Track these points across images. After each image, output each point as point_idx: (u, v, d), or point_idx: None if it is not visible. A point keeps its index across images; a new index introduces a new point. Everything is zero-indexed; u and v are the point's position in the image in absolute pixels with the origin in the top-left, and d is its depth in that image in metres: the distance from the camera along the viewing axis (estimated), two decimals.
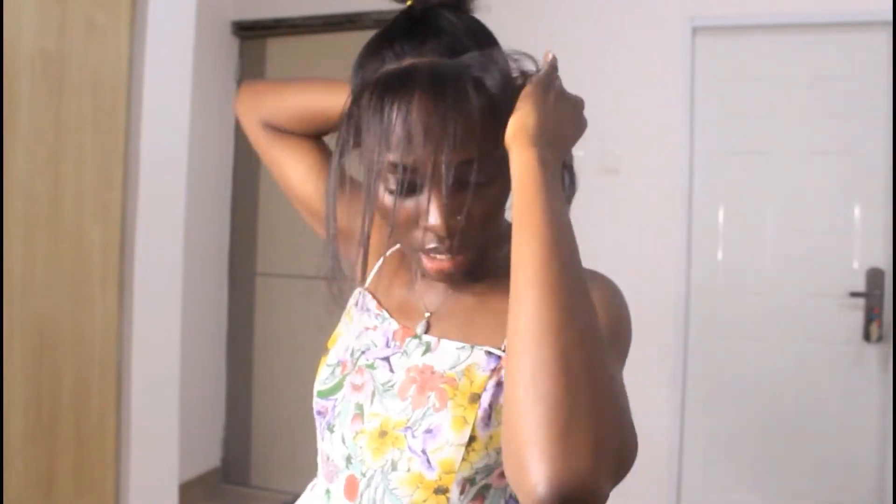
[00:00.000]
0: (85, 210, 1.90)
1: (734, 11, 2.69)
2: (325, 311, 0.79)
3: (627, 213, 2.74)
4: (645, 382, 2.72)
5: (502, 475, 0.70)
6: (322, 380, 0.81)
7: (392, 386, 0.75)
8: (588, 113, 0.72)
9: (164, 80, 2.08)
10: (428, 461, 0.69)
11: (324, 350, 0.85)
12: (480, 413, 0.68)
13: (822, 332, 2.62)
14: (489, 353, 0.71)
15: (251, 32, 3.29)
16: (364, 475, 0.73)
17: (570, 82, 0.71)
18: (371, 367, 0.77)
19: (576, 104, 0.69)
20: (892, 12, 2.43)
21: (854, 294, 2.55)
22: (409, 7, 0.71)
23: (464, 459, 0.68)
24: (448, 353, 0.73)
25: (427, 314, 0.78)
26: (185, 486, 2.71)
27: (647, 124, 2.74)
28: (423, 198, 0.66)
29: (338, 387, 0.79)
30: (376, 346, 0.79)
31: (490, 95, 0.64)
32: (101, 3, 1.90)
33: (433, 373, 0.73)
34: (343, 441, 0.76)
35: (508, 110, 0.65)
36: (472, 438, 0.67)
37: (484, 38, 0.70)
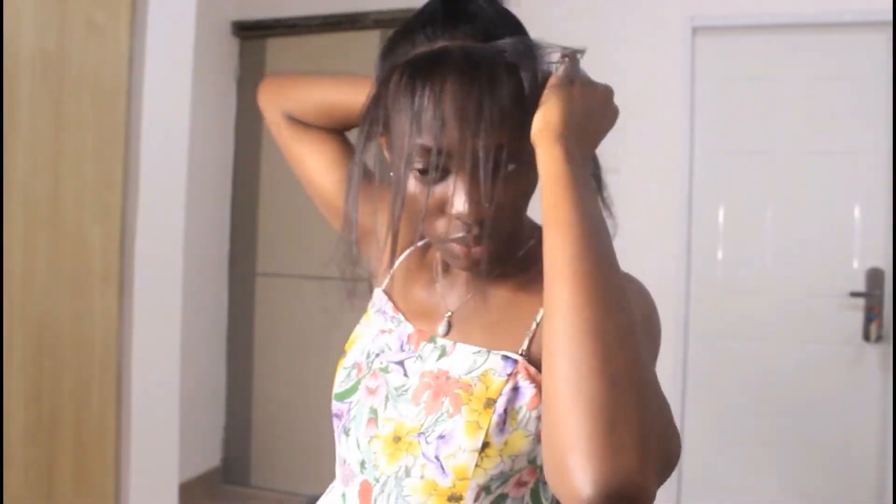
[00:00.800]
0: (85, 210, 1.90)
1: (734, 11, 2.69)
2: (338, 309, 0.77)
3: (627, 213, 2.74)
4: None
5: (519, 484, 0.69)
6: (339, 382, 0.80)
7: (406, 391, 0.73)
8: None
9: (164, 79, 2.08)
10: (441, 467, 0.68)
11: (341, 352, 0.85)
12: (495, 418, 0.66)
13: (822, 332, 2.62)
14: (506, 358, 0.69)
15: (251, 32, 3.29)
16: (378, 480, 0.72)
17: None
18: (385, 370, 0.76)
19: (604, 93, 0.66)
20: (892, 12, 2.43)
21: (854, 294, 2.55)
22: None
23: (477, 466, 0.66)
24: (464, 358, 0.72)
25: (448, 313, 0.77)
26: (185, 486, 2.71)
27: (647, 124, 2.74)
28: (451, 184, 0.64)
29: (353, 389, 0.78)
30: (391, 349, 0.78)
31: (522, 82, 0.63)
32: (101, 3, 1.90)
33: (448, 378, 0.71)
34: (358, 445, 0.75)
35: (539, 99, 0.64)
36: (485, 444, 0.66)
37: (514, 27, 0.69)
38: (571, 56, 0.66)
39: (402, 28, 0.69)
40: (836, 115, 2.61)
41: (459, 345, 0.73)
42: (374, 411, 0.75)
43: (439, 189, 0.65)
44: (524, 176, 0.65)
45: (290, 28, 3.21)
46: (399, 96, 0.63)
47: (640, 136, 2.75)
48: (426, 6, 0.69)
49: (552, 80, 0.63)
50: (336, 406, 0.79)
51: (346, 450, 0.77)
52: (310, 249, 3.13)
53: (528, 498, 0.69)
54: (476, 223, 0.64)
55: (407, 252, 0.84)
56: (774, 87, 2.68)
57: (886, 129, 2.53)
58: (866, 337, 2.54)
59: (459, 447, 0.67)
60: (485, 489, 0.67)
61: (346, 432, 0.77)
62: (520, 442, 0.66)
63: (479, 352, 0.71)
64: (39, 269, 1.77)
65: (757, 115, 2.71)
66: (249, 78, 3.30)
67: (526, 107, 0.63)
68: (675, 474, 2.71)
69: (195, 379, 2.93)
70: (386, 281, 0.85)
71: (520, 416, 0.66)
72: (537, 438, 0.66)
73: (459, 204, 0.63)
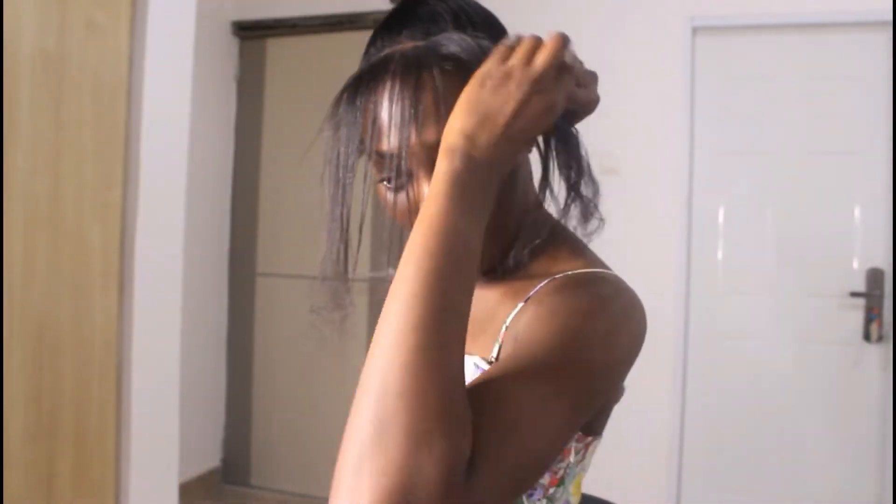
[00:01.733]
0: (85, 210, 1.90)
1: (734, 11, 2.69)
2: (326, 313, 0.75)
3: (627, 213, 2.74)
4: (645, 382, 2.72)
5: None
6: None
7: None
8: None
9: (164, 80, 2.08)
10: None
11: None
12: None
13: (822, 332, 2.62)
14: (476, 365, 0.68)
15: (251, 32, 3.29)
16: None
17: None
18: None
19: (521, 87, 0.57)
20: (892, 12, 2.43)
21: (854, 294, 2.55)
22: (393, 2, 0.71)
23: None
24: None
25: None
26: (185, 486, 2.71)
27: (647, 124, 2.74)
28: (416, 187, 0.64)
29: None
30: None
31: (463, 67, 0.61)
32: (101, 3, 1.90)
33: None
34: None
35: None
36: None
37: (469, 18, 0.67)
38: (499, 49, 0.60)
39: (368, 41, 0.70)
40: (836, 115, 2.61)
41: None
42: None
43: (413, 192, 0.64)
44: None
45: (290, 28, 3.21)
46: (345, 114, 0.64)
47: (640, 135, 2.75)
48: (385, 15, 0.70)
49: (476, 75, 0.59)
50: None
51: None
52: (310, 249, 3.13)
53: None
54: None
55: None
56: (774, 87, 2.68)
57: (886, 129, 2.53)
58: (866, 337, 2.54)
59: None
60: None
61: None
62: None
63: None
64: (39, 269, 1.77)
65: (757, 115, 2.71)
66: (249, 78, 3.31)
67: None
68: (675, 474, 2.71)
69: (195, 379, 2.93)
70: None
71: None
72: None
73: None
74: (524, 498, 0.68)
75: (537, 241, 0.71)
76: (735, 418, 2.71)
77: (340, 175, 0.65)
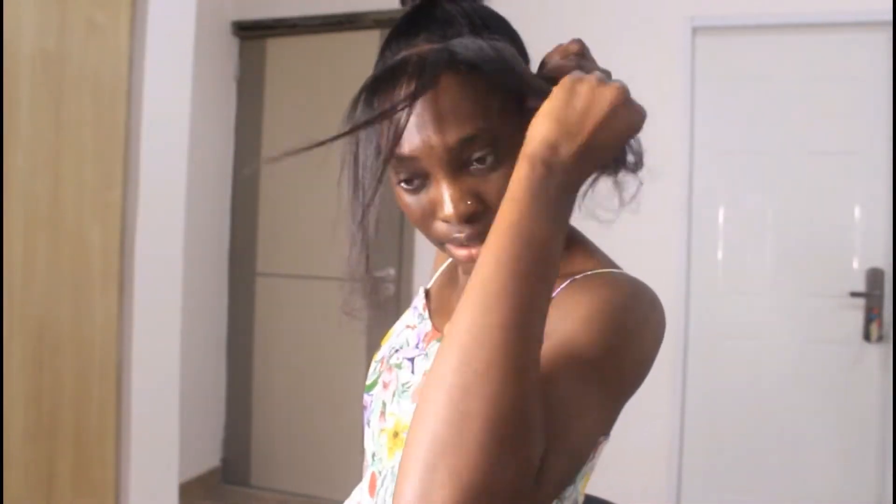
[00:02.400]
0: (85, 210, 1.90)
1: (734, 11, 2.69)
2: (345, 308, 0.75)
3: (627, 214, 2.74)
4: (645, 382, 2.71)
5: None
6: (369, 374, 0.84)
7: (409, 388, 0.75)
8: None
9: (164, 79, 2.08)
10: None
11: (377, 346, 0.88)
12: None
13: (822, 332, 2.62)
14: None
15: (251, 32, 3.29)
16: (381, 473, 0.74)
17: None
18: (398, 366, 0.78)
19: (614, 96, 0.59)
20: (892, 12, 2.43)
21: (854, 294, 2.55)
22: (404, 4, 0.70)
23: None
24: None
25: None
26: (185, 486, 2.71)
27: (647, 124, 2.74)
28: (434, 188, 0.64)
29: (375, 383, 0.81)
30: (409, 345, 0.80)
31: (481, 71, 0.61)
32: (101, 3, 1.90)
33: None
34: (372, 437, 0.78)
35: (509, 84, 0.62)
36: None
37: (484, 21, 0.67)
38: (580, 51, 0.61)
39: (382, 43, 0.70)
40: (836, 115, 2.61)
41: None
42: (384, 405, 0.77)
43: (425, 195, 0.65)
44: (510, 165, 0.60)
45: (290, 28, 3.21)
46: (362, 116, 0.64)
47: (640, 136, 2.75)
48: (400, 17, 0.69)
49: (564, 80, 0.58)
50: (364, 397, 0.83)
51: (366, 440, 0.80)
52: (310, 249, 3.13)
53: None
54: (464, 222, 0.63)
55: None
56: (774, 87, 2.68)
57: (886, 129, 2.53)
58: (866, 337, 2.54)
59: None
60: None
61: (368, 423, 0.80)
62: None
63: None
64: (39, 269, 1.77)
65: (757, 115, 2.70)
66: (249, 78, 3.30)
67: (494, 93, 0.62)
68: (675, 474, 2.71)
69: (195, 379, 2.93)
70: (432, 280, 0.88)
71: None
72: None
73: (444, 206, 0.63)
74: None
75: None
76: (735, 418, 2.71)
77: (360, 177, 0.65)
